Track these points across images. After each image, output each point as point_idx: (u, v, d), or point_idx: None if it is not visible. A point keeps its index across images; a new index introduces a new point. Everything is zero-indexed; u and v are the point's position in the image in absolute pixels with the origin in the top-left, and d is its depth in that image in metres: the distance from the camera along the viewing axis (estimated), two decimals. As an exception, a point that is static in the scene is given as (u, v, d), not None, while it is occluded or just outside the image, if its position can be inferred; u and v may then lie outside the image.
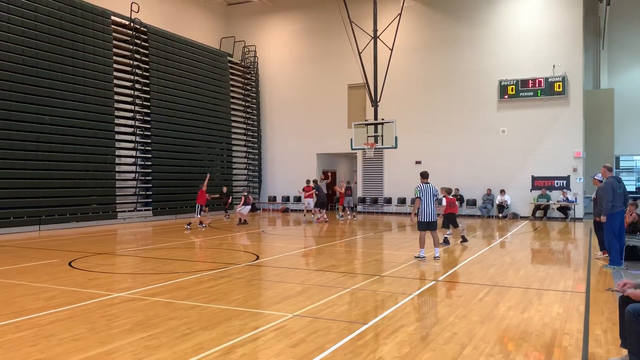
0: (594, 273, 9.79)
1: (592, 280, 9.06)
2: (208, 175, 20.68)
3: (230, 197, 23.54)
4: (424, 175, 11.65)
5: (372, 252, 13.33)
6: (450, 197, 14.40)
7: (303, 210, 22.26)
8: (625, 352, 4.75)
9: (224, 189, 23.37)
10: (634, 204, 12.25)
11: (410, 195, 25.57)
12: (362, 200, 27.39)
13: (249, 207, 20.71)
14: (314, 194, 21.46)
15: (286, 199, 28.70)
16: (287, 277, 9.34)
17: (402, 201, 25.94)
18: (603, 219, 10.57)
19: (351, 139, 21.52)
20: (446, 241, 13.76)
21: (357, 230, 18.80)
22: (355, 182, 22.64)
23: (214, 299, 7.45)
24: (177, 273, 9.64)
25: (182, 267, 10.34)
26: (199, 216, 18.45)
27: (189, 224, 18.67)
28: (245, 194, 21.09)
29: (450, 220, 13.84)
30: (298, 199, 27.76)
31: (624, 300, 4.96)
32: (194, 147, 24.89)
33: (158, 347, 5.29)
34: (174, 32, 24.75)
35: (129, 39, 22.03)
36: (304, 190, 22.15)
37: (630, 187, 26.45)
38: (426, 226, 11.37)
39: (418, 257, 11.30)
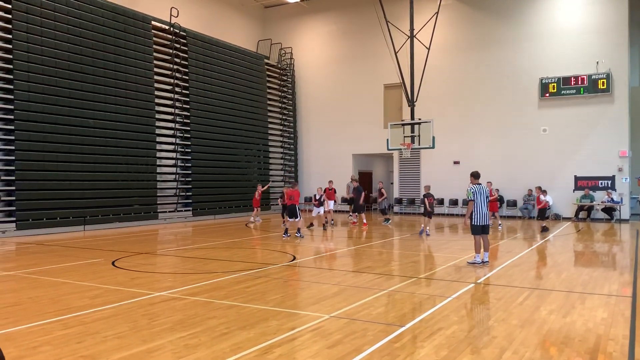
0: (641, 277, 9.45)
1: (638, 284, 8.74)
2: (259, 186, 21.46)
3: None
4: (476, 176, 10.96)
5: (409, 253, 13.22)
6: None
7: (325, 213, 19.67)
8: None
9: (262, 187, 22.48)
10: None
11: (448, 196, 25.33)
12: (399, 201, 27.19)
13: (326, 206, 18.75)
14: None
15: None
16: (324, 278, 9.36)
17: (440, 202, 25.59)
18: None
19: (387, 140, 21.40)
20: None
21: (394, 232, 18.68)
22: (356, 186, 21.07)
23: (252, 299, 7.54)
24: (215, 273, 9.80)
25: (220, 267, 10.51)
26: (299, 219, 15.67)
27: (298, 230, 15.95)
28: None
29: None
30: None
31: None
32: (232, 148, 25.26)
33: (197, 346, 5.40)
34: (212, 35, 25.18)
35: (168, 43, 22.54)
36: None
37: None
38: (481, 230, 10.67)
39: (473, 262, 10.64)
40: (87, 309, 6.97)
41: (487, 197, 10.77)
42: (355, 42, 28.09)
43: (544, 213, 17.87)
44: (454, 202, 25.28)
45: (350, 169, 28.03)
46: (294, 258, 11.69)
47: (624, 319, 6.48)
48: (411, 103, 21.50)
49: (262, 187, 21.94)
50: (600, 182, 22.37)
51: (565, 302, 7.42)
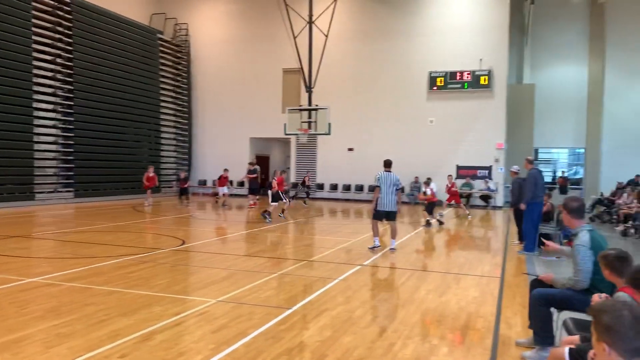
0: (509, 259, 10.32)
1: (507, 266, 9.54)
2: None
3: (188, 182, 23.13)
4: (386, 164, 11.06)
5: (302, 237, 13.40)
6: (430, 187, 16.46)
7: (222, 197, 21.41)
8: (532, 333, 5.04)
9: (183, 174, 23.02)
10: (548, 194, 13.02)
11: (342, 181, 25.98)
12: (295, 186, 27.42)
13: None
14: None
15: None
16: (213, 263, 9.20)
17: (334, 187, 26.20)
18: (523, 207, 11.16)
19: (285, 124, 21.41)
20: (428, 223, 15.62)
21: (288, 216, 18.81)
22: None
23: (135, 285, 7.22)
24: (97, 257, 9.26)
25: (103, 252, 9.94)
26: (285, 201, 16.47)
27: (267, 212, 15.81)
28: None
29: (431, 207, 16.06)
30: (231, 183, 27.49)
31: (534, 285, 5.26)
32: (120, 126, 23.91)
33: (71, 335, 5.06)
34: (100, 5, 23.49)
35: (50, 9, 20.71)
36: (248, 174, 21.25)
37: (548, 178, 28.11)
38: (384, 215, 10.71)
39: (373, 247, 10.68)
40: (-57, 298, 6.27)
41: (394, 184, 10.80)
42: (254, 23, 27.67)
43: (431, 207, 16.23)
44: (347, 188, 25.95)
45: (247, 153, 27.76)
46: (183, 242, 11.37)
47: (493, 298, 7.04)
48: (309, 89, 21.66)
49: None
50: (479, 171, 24.11)
51: (442, 282, 7.91)
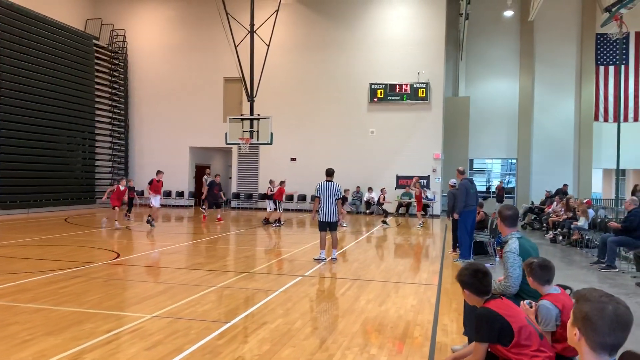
0: (446, 266, 10.58)
1: (444, 273, 9.77)
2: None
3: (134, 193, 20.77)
4: (328, 173, 11.01)
5: (242, 248, 13.21)
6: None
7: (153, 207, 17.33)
8: (467, 339, 5.16)
9: (131, 182, 20.21)
10: (480, 203, 13.47)
11: (285, 191, 25.87)
12: (237, 196, 27.11)
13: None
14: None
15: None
16: (149, 276, 8.91)
17: (275, 197, 26.05)
18: (456, 216, 11.51)
19: (226, 134, 21.16)
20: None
21: (229, 226, 18.54)
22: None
23: (64, 301, 6.86)
24: (23, 273, 8.75)
25: (29, 267, 9.41)
26: (280, 211, 18.69)
27: (269, 220, 18.68)
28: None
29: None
30: (168, 194, 26.86)
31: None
32: (51, 135, 22.85)
33: (-9, 358, 4.74)
34: (30, 8, 22.45)
35: (-26, 10, 19.63)
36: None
37: (482, 187, 29.18)
38: (327, 226, 10.69)
39: (318, 258, 10.64)
40: None
41: (334, 194, 10.74)
42: (194, 31, 27.27)
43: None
44: (289, 198, 25.86)
45: (187, 162, 27.25)
46: (118, 255, 10.94)
47: (430, 305, 7.17)
48: (250, 98, 21.51)
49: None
50: (418, 181, 24.64)
51: (382, 291, 8.00)
